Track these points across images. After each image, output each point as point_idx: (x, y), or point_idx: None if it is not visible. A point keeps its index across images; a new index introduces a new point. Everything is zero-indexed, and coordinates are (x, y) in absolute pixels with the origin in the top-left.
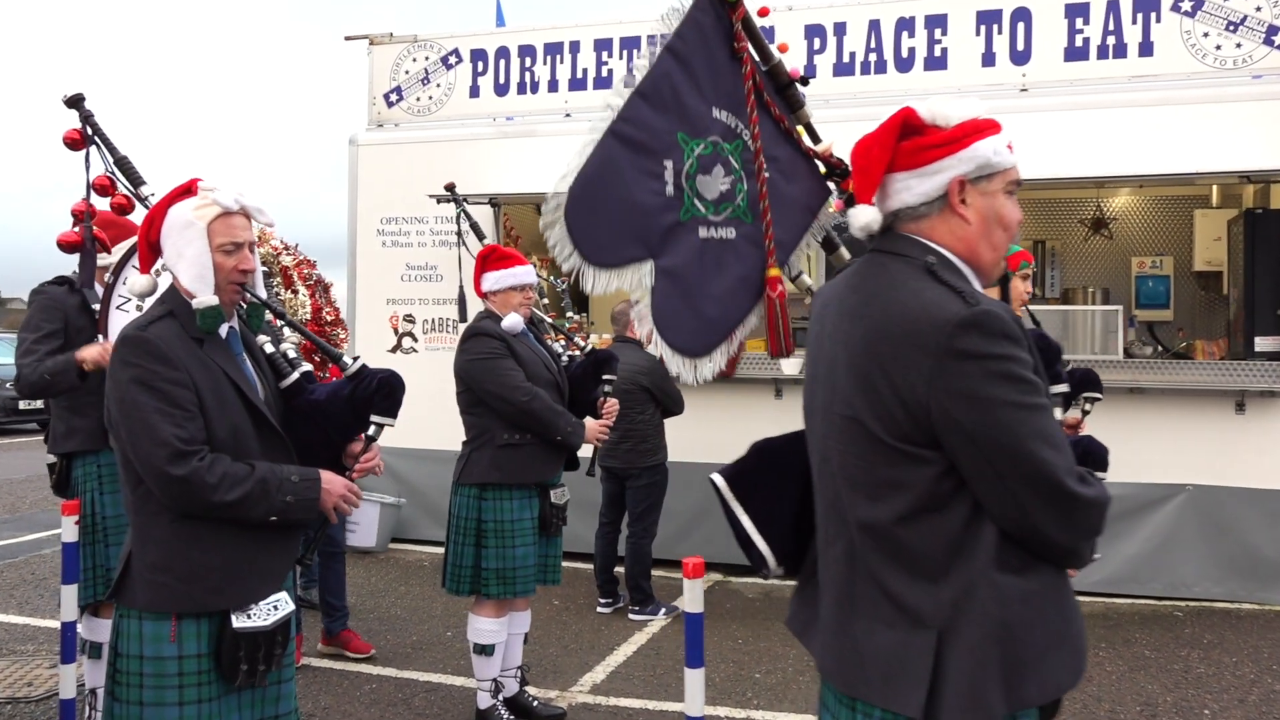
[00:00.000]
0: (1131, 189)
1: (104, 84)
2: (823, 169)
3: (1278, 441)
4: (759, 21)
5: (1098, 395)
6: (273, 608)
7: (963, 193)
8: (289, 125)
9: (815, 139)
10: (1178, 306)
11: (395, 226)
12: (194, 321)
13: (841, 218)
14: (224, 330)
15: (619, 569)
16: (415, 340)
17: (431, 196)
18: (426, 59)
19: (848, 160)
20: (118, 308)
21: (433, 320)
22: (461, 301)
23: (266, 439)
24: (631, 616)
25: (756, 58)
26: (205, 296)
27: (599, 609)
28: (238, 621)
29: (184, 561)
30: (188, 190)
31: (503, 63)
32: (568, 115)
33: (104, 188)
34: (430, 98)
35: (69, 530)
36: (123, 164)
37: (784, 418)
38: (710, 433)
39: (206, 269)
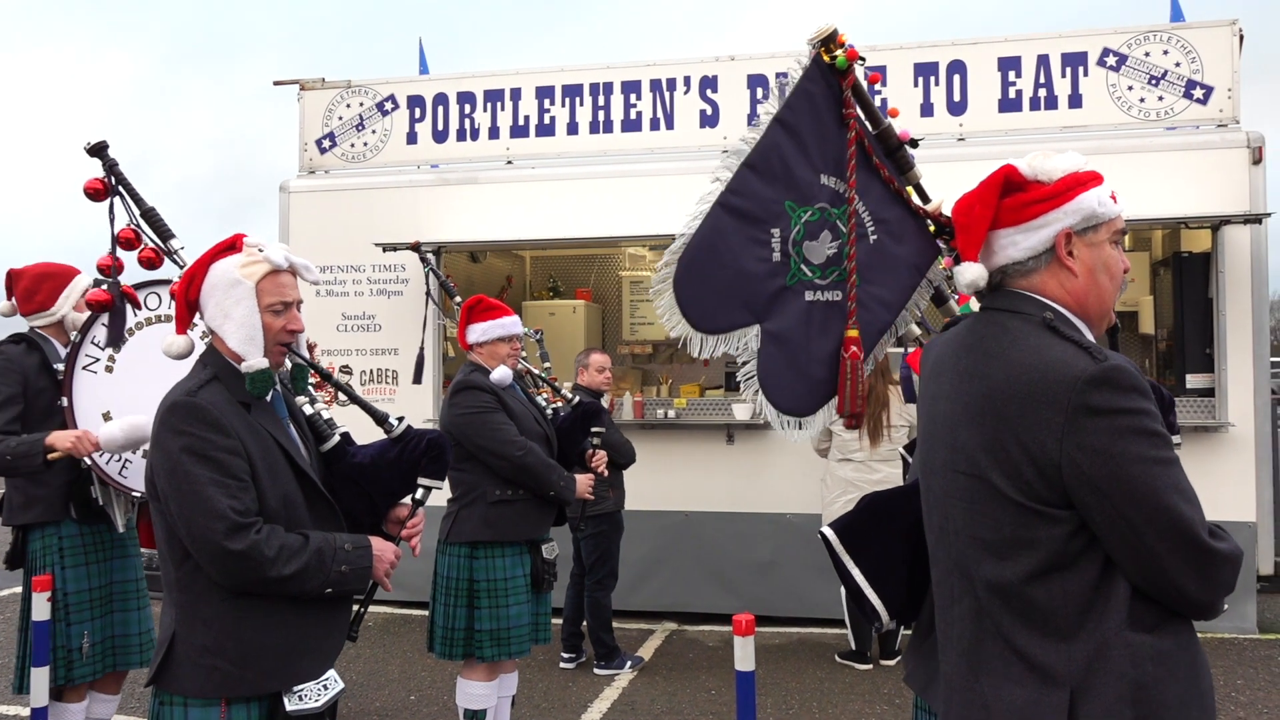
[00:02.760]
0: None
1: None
2: (932, 227)
3: (1219, 473)
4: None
5: (1178, 443)
6: (323, 687)
7: (1070, 245)
8: (217, 172)
9: (925, 199)
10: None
11: (330, 275)
12: (241, 385)
13: (949, 274)
14: (269, 394)
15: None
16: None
17: (379, 245)
18: (361, 104)
19: None
20: (84, 368)
21: (371, 371)
22: (420, 363)
23: (317, 507)
24: (597, 671)
25: (866, 123)
26: (255, 359)
27: (562, 664)
28: (290, 704)
29: (237, 642)
30: (231, 246)
31: (441, 109)
32: (509, 162)
33: (129, 240)
34: (365, 144)
35: (40, 608)
36: (149, 215)
37: (736, 462)
38: (663, 479)
39: (256, 330)
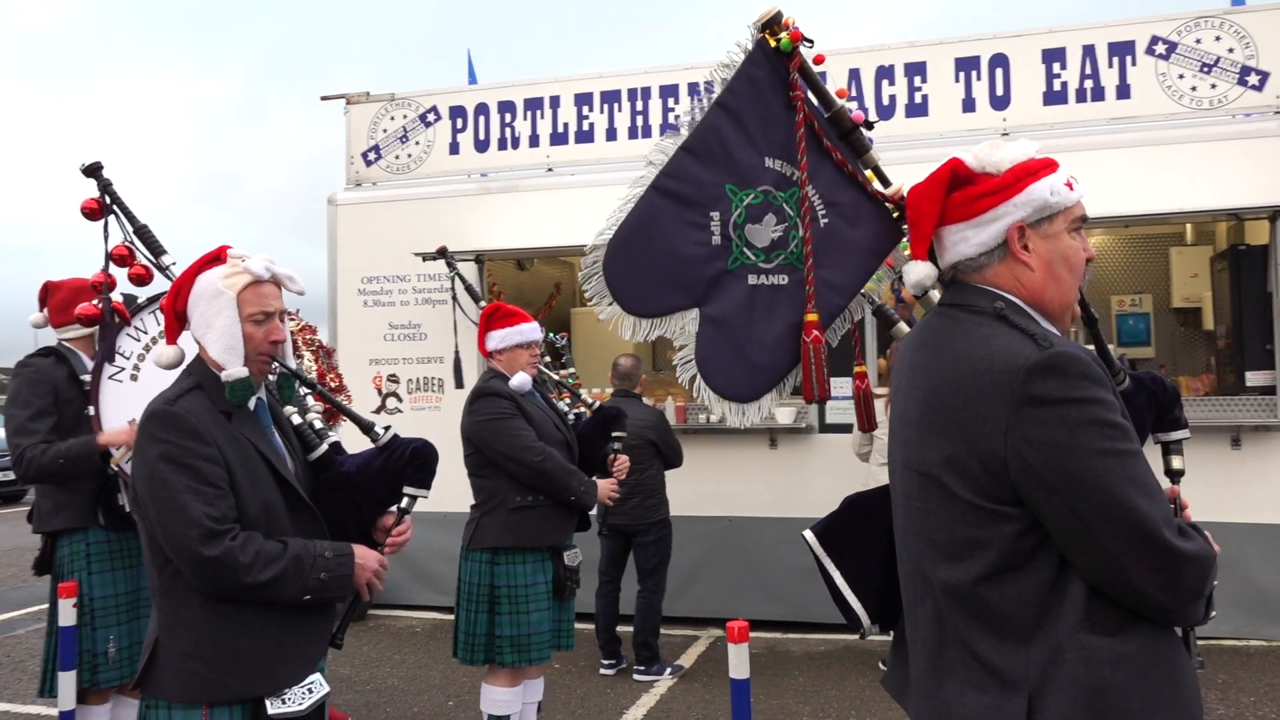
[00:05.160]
0: (1106, 228)
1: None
2: (895, 212)
3: (1275, 475)
4: (816, 68)
5: (1187, 436)
6: (307, 691)
7: (1023, 238)
8: (267, 185)
9: (885, 182)
10: (1159, 343)
11: (377, 285)
12: (222, 394)
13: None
14: (252, 403)
15: (621, 628)
16: (400, 400)
17: (418, 254)
18: (405, 117)
19: None
20: (110, 378)
21: (418, 380)
22: (457, 367)
23: (299, 515)
24: (636, 677)
25: (817, 104)
26: (235, 368)
27: (602, 671)
28: (273, 708)
29: (217, 647)
30: (216, 258)
31: (482, 119)
32: (549, 170)
33: (122, 258)
34: (409, 155)
35: (65, 613)
36: (142, 233)
37: (779, 467)
38: (706, 485)
39: (236, 339)
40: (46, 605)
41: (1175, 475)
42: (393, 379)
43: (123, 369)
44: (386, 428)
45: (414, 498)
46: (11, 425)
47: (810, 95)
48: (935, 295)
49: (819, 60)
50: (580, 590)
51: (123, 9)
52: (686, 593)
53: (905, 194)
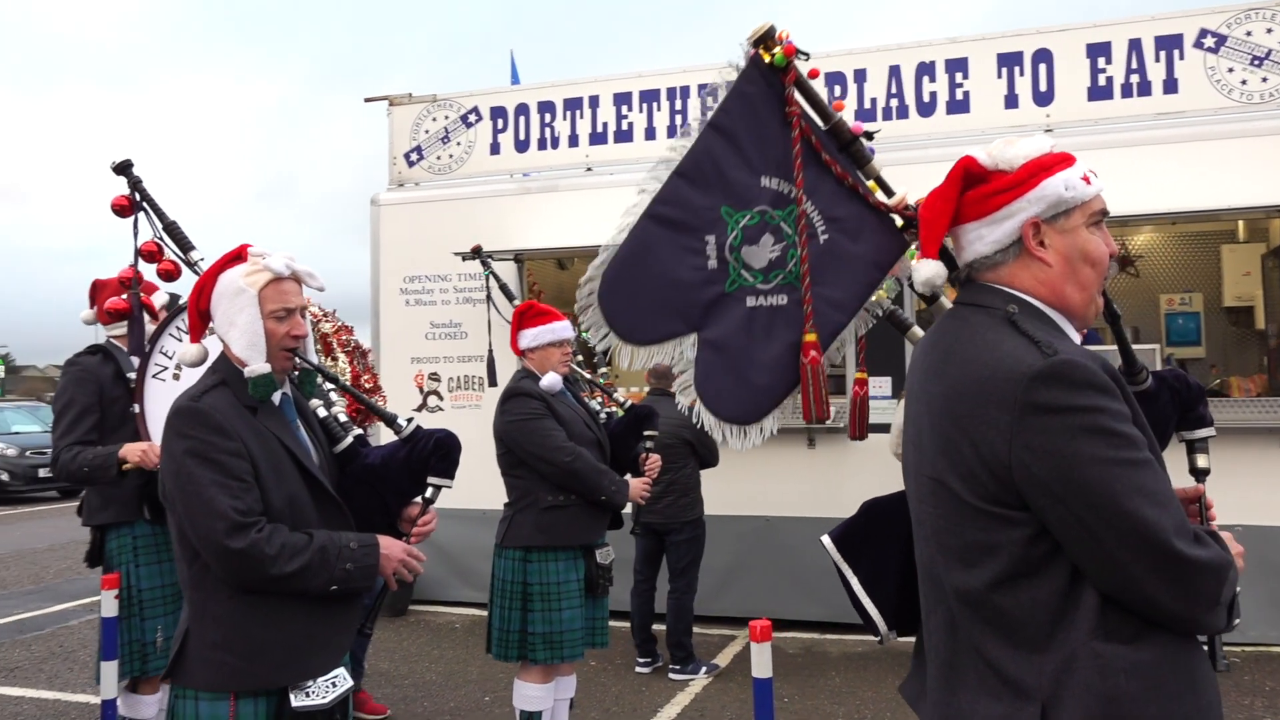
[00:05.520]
0: (1155, 225)
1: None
2: (900, 221)
3: None
4: (814, 80)
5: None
6: (331, 684)
7: (1039, 234)
8: (323, 185)
9: (889, 193)
10: (1209, 343)
11: (418, 285)
12: (246, 390)
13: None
14: (277, 397)
15: (656, 626)
16: (441, 398)
17: (457, 254)
18: (446, 118)
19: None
20: (154, 376)
21: (459, 378)
22: (490, 365)
23: (324, 507)
24: (672, 676)
25: (816, 118)
26: (257, 364)
27: (638, 669)
28: (297, 700)
29: (244, 638)
30: (238, 256)
31: (522, 119)
32: (589, 169)
33: (151, 253)
34: (451, 156)
35: (109, 604)
36: (171, 229)
37: (817, 467)
38: (744, 485)
39: (258, 336)
40: (98, 598)
41: (1201, 474)
42: (434, 377)
43: (165, 368)
44: (409, 419)
45: (438, 488)
46: (58, 428)
47: (808, 109)
48: (946, 301)
49: (814, 74)
50: (617, 589)
51: (184, 14)
52: (724, 592)
53: (909, 203)
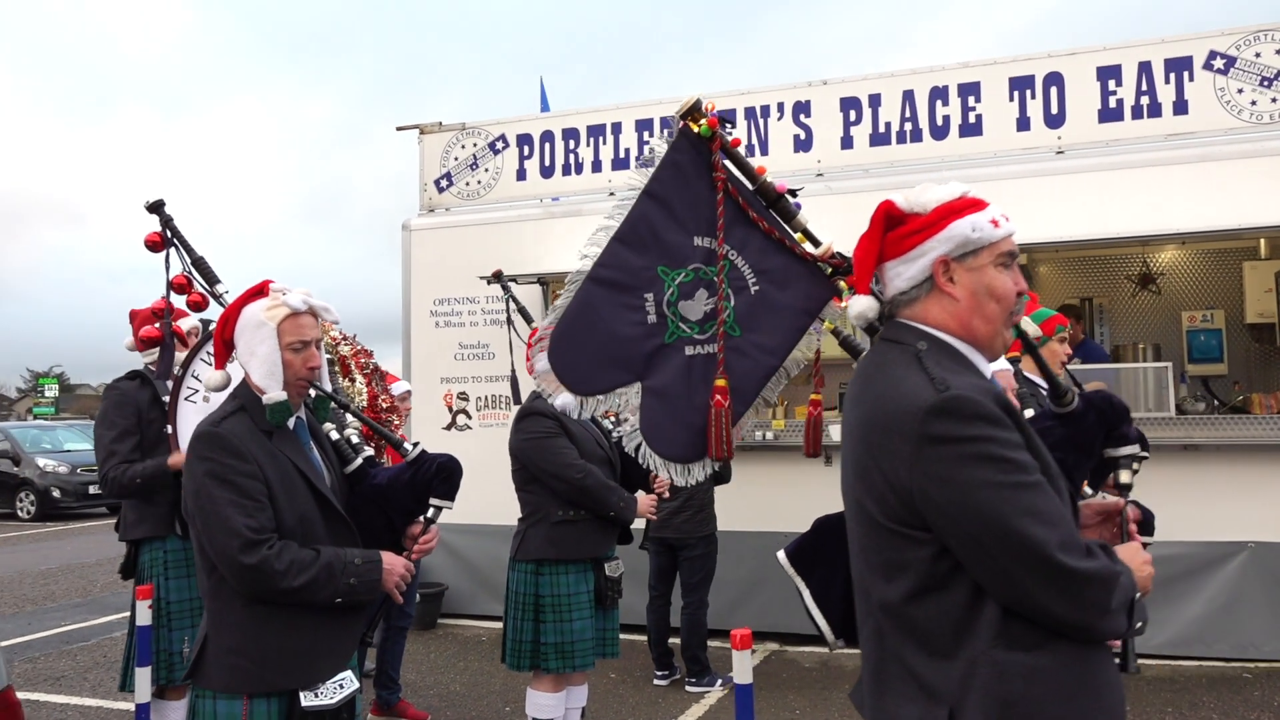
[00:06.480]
0: (1177, 244)
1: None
2: (829, 270)
3: None
4: (740, 149)
5: (1144, 454)
6: (339, 686)
7: (948, 272)
8: (365, 207)
9: (815, 243)
10: (1232, 360)
11: (448, 307)
12: (264, 415)
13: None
14: (291, 421)
15: (674, 640)
16: (469, 417)
17: (482, 278)
18: (475, 145)
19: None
20: (186, 399)
21: (486, 398)
22: (514, 385)
23: (332, 524)
24: (689, 688)
25: (743, 179)
26: (275, 392)
27: (655, 681)
28: (306, 700)
29: (256, 644)
30: (260, 291)
31: (547, 146)
32: (612, 194)
33: (181, 286)
34: (479, 182)
35: (142, 614)
36: (199, 264)
37: (833, 484)
38: (760, 501)
39: (276, 366)
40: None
41: (1124, 489)
42: (463, 396)
43: (197, 390)
44: (415, 444)
45: (439, 508)
46: (101, 449)
47: (735, 172)
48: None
49: (735, 144)
50: (635, 602)
51: (236, 38)
52: (743, 606)
53: (835, 251)
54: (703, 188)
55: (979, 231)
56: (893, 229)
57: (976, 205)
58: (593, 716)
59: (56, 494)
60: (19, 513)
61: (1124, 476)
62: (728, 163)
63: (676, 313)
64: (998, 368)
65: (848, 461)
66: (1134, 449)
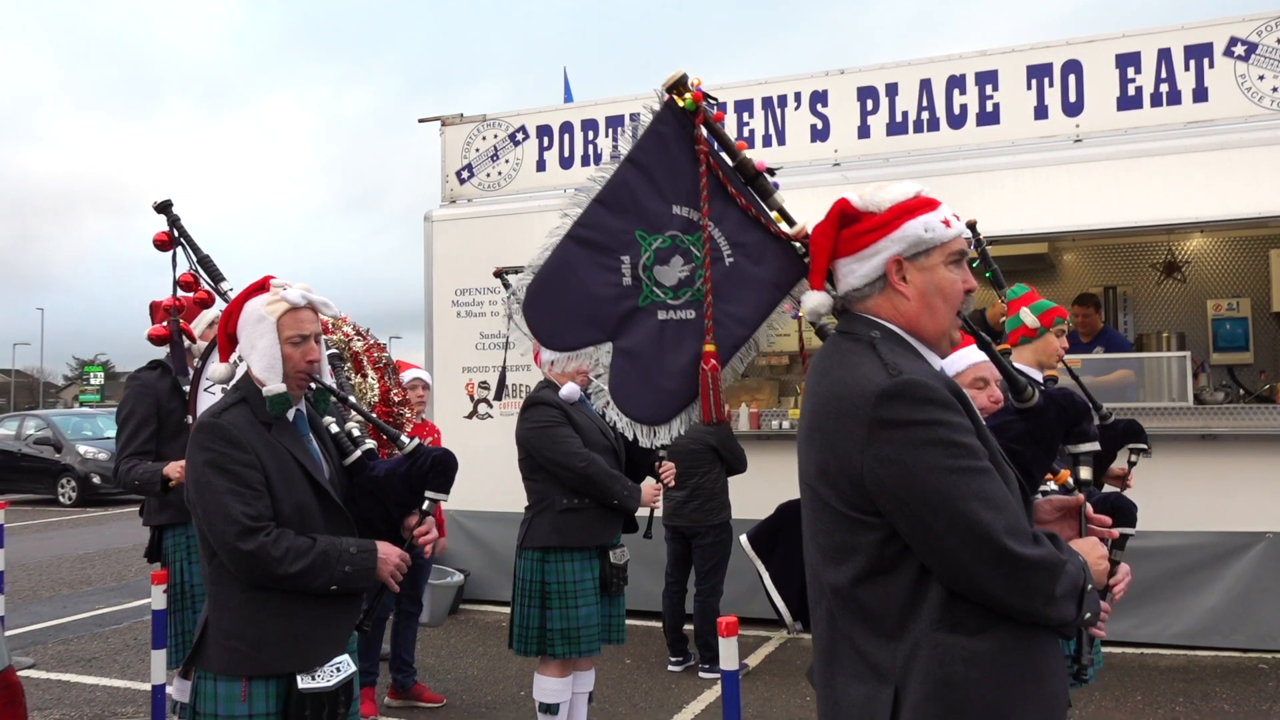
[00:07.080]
0: (1198, 232)
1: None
2: (801, 249)
3: None
4: (724, 125)
5: (1143, 446)
6: (336, 669)
7: (901, 270)
8: (403, 198)
9: (790, 223)
10: (1258, 349)
11: (469, 297)
12: (264, 407)
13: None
14: (291, 414)
15: (688, 627)
16: (490, 406)
17: (496, 274)
18: (495, 136)
19: None
20: (205, 390)
21: (508, 387)
22: (501, 380)
23: (329, 514)
24: (702, 674)
25: (724, 155)
26: (274, 385)
27: (670, 667)
28: (303, 683)
29: (254, 628)
30: (261, 286)
31: (567, 137)
32: None
33: (188, 284)
34: (500, 173)
35: (159, 598)
36: (205, 262)
37: None
38: (776, 489)
39: (276, 359)
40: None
41: (1083, 485)
42: (484, 386)
43: (214, 382)
44: (412, 438)
45: (434, 500)
46: (119, 439)
47: (716, 147)
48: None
49: (719, 117)
50: (652, 589)
51: (284, 34)
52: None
53: (809, 232)
54: (684, 159)
55: (931, 231)
56: (847, 226)
57: (929, 205)
58: (607, 701)
59: (97, 480)
60: (60, 499)
61: (1083, 473)
62: (708, 136)
63: (651, 277)
64: (976, 359)
65: (802, 447)
66: (1094, 446)
